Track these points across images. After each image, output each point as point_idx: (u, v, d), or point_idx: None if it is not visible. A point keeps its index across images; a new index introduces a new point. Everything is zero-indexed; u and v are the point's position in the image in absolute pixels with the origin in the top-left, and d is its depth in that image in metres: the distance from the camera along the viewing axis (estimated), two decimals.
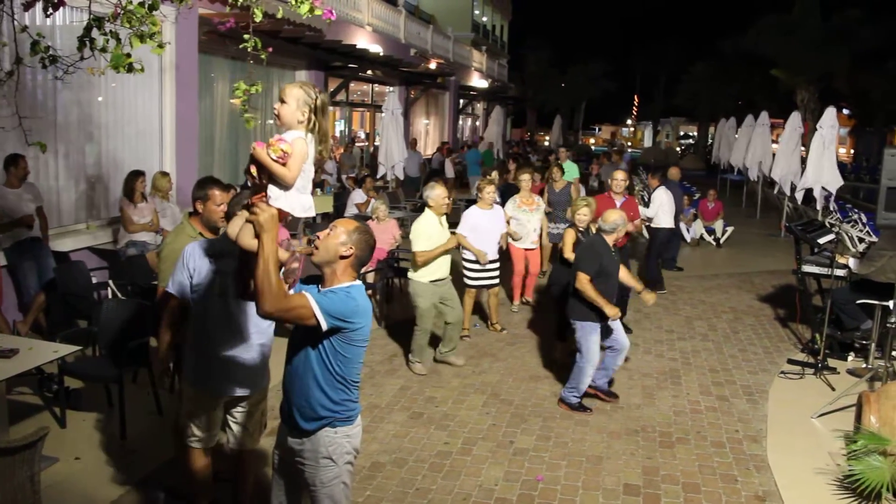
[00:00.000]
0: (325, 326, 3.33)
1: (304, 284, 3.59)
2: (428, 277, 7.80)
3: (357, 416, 3.66)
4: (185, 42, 11.12)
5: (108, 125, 10.24)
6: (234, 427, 4.67)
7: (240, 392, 4.50)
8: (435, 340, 8.26)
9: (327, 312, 3.32)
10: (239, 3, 4.91)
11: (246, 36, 5.10)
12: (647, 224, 12.05)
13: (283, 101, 3.21)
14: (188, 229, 4.90)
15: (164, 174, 10.00)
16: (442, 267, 7.88)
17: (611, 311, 6.74)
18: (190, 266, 4.41)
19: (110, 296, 8.27)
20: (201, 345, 4.45)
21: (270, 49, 5.46)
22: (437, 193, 7.80)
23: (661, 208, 11.80)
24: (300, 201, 3.22)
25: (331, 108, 19.85)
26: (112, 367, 6.28)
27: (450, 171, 21.27)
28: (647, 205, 12.20)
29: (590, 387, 7.12)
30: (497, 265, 9.12)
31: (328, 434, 3.55)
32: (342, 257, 3.50)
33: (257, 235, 3.10)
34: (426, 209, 7.92)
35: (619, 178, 9.70)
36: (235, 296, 4.23)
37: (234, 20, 6.03)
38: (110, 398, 6.61)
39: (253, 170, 3.13)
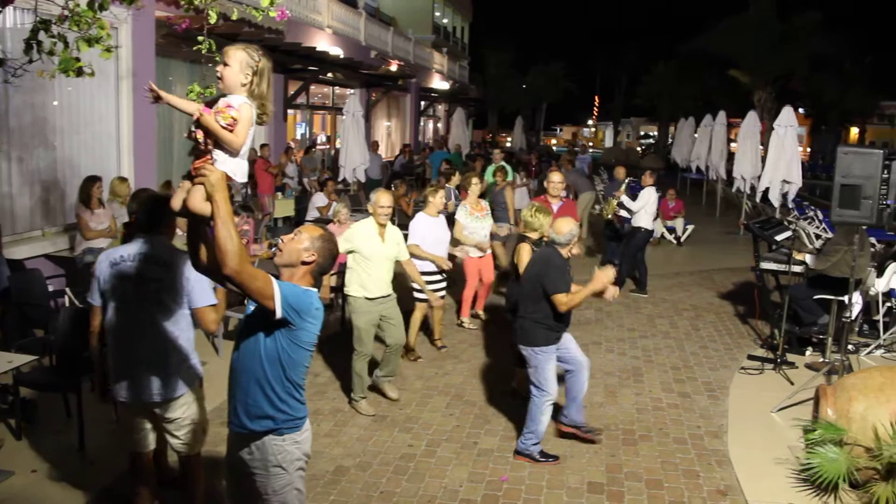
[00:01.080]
0: (278, 313, 3.28)
1: None
2: (363, 293, 7.03)
3: (305, 420, 3.63)
4: (141, 45, 11.00)
5: (63, 129, 10.10)
6: (169, 434, 4.62)
7: (155, 398, 4.43)
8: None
9: (285, 300, 3.28)
10: (194, 5, 4.84)
11: (200, 38, 5.04)
12: (620, 215, 12.11)
13: (226, 64, 3.16)
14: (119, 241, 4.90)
15: (123, 179, 9.88)
16: (379, 283, 7.05)
17: (603, 278, 5.89)
18: (98, 275, 4.46)
19: (67, 304, 8.15)
20: (112, 352, 4.46)
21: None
22: (374, 199, 7.18)
23: (645, 208, 11.85)
24: (241, 166, 3.18)
25: (291, 111, 19.76)
26: (69, 376, 6.17)
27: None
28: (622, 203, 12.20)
29: (565, 425, 6.44)
30: (445, 275, 8.57)
31: (276, 442, 3.52)
32: (304, 263, 3.49)
33: (209, 198, 3.04)
34: (370, 216, 7.28)
35: (556, 180, 9.22)
36: (140, 301, 4.31)
37: (189, 22, 5.97)
38: (68, 408, 6.50)
39: (199, 135, 3.07)
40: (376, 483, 5.64)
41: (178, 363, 4.46)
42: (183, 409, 4.53)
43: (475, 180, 9.74)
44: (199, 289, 4.46)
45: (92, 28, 4.70)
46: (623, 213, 12.30)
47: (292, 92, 18.80)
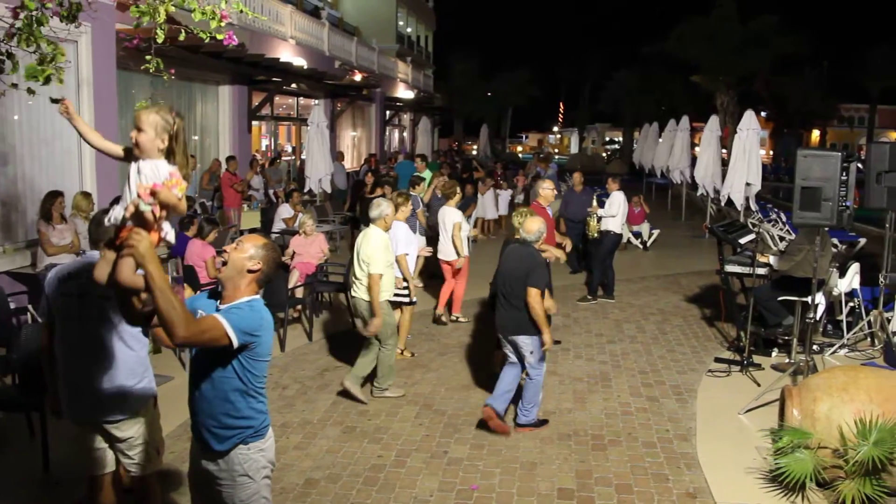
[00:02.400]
0: (236, 344, 3.29)
1: (196, 300, 3.58)
2: (386, 296, 7.48)
3: (268, 428, 3.63)
4: (101, 58, 10.89)
5: (23, 144, 9.96)
6: (121, 453, 4.51)
7: (104, 417, 4.34)
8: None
9: (238, 329, 3.29)
10: (141, 25, 4.76)
11: (148, 57, 4.98)
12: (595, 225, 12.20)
13: (140, 130, 3.16)
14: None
15: (86, 194, 9.77)
16: (389, 285, 7.57)
17: (548, 338, 6.51)
18: (47, 293, 4.41)
19: (30, 321, 8.02)
20: (61, 370, 4.38)
21: (173, 71, 5.36)
22: (387, 210, 7.54)
23: (608, 211, 11.96)
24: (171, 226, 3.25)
25: (256, 122, 19.65)
26: (32, 395, 6.05)
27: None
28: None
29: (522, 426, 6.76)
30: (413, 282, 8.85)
31: (241, 452, 3.52)
32: (250, 271, 3.48)
33: (139, 267, 3.01)
34: (371, 226, 7.48)
35: (548, 187, 9.74)
36: (85, 319, 4.25)
37: (139, 39, 5.88)
38: (32, 428, 6.38)
39: (156, 211, 3.05)
40: (346, 495, 5.60)
41: (127, 382, 4.35)
42: (135, 429, 4.42)
43: (458, 189, 10.43)
44: None
45: (42, 48, 4.60)
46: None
47: (256, 103, 18.72)
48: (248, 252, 3.48)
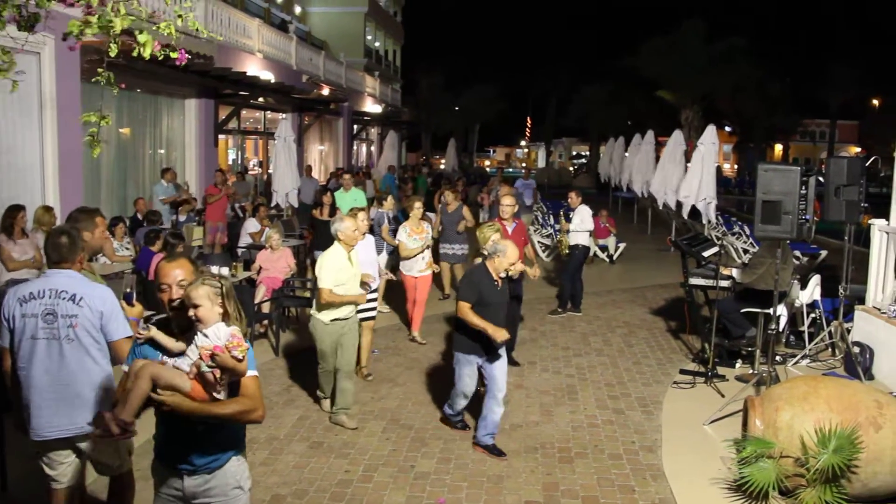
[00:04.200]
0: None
1: (143, 349, 3.56)
2: (329, 316, 7.10)
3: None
4: (66, 70, 10.81)
5: None
6: (92, 461, 4.58)
7: (73, 433, 4.36)
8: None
9: (253, 367, 3.48)
10: (86, 37, 4.71)
11: (100, 70, 4.95)
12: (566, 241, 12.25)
13: (196, 306, 3.30)
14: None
15: (48, 209, 9.66)
16: (345, 305, 7.21)
17: (496, 333, 6.33)
18: (5, 314, 4.35)
19: None
20: (25, 391, 4.35)
21: (123, 85, 5.33)
22: (346, 226, 7.15)
23: (581, 226, 12.03)
24: None
25: (222, 136, 19.54)
26: None
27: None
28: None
29: (476, 444, 6.70)
30: (375, 295, 8.70)
31: (234, 464, 3.55)
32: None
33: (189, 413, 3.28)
34: (335, 242, 7.22)
35: (508, 203, 9.55)
36: (51, 338, 4.25)
37: (79, 45, 5.80)
38: None
39: (216, 373, 3.30)
40: None
41: (94, 397, 4.36)
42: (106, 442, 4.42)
43: (417, 204, 10.34)
44: (115, 321, 4.37)
45: None
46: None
47: (223, 117, 18.64)
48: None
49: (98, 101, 13.18)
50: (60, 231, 4.56)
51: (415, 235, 9.99)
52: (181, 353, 3.41)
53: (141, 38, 4.52)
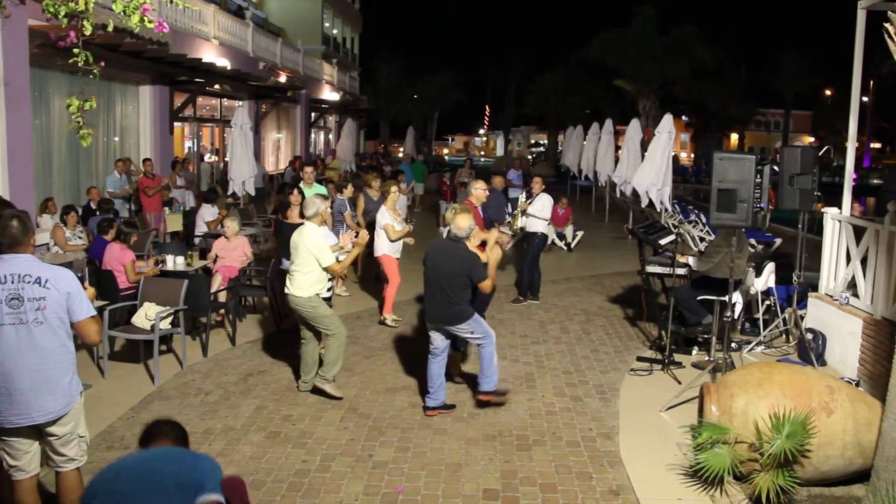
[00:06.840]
0: None
1: None
2: (315, 290, 7.42)
3: None
4: (14, 55, 10.55)
5: None
6: (53, 451, 4.55)
7: (43, 418, 4.37)
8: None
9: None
10: (62, 16, 4.64)
11: (76, 50, 4.86)
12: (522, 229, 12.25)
13: None
14: None
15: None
16: (321, 281, 7.51)
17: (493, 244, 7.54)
18: None
19: None
20: None
21: (103, 63, 5.23)
22: (325, 204, 7.69)
23: (541, 213, 12.03)
24: None
25: (178, 124, 19.28)
26: None
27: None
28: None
29: (429, 409, 7.20)
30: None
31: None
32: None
33: None
34: (308, 223, 7.44)
35: (480, 187, 9.90)
36: (17, 323, 4.24)
37: (73, 35, 5.75)
38: None
39: None
40: (270, 501, 5.52)
41: (64, 379, 4.40)
42: (71, 425, 4.50)
43: (394, 188, 10.45)
44: (80, 301, 4.42)
45: None
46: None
47: (178, 104, 18.36)
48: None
49: (50, 88, 12.99)
50: (11, 215, 4.49)
51: (398, 218, 10.34)
52: None
53: (116, 6, 4.46)
